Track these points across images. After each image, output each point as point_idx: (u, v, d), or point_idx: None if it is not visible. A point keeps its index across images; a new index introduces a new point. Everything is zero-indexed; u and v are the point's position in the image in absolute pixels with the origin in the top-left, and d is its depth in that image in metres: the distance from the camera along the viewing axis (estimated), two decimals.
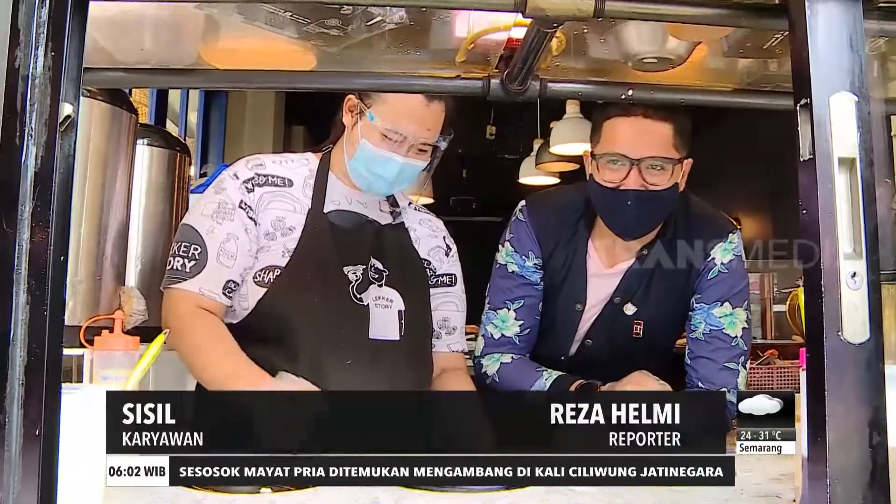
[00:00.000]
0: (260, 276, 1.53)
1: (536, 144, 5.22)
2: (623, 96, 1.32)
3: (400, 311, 1.60)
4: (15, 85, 0.71)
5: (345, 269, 1.56)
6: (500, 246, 1.81)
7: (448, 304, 1.75)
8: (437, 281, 1.74)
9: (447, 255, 1.77)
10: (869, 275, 0.82)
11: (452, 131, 1.59)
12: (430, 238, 1.75)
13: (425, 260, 1.72)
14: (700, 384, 1.72)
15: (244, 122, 4.75)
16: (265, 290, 1.52)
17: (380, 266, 1.60)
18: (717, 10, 1.00)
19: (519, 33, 1.16)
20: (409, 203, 1.77)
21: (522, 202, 1.83)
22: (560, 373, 1.69)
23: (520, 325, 1.76)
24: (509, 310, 1.76)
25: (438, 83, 1.29)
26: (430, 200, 5.32)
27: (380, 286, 1.59)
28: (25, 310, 0.72)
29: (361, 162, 1.56)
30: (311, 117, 5.15)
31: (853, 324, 0.81)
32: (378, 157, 1.54)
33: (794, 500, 1.12)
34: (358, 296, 1.56)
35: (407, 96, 1.50)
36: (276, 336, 1.51)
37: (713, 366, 1.71)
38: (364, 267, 1.57)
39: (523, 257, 1.76)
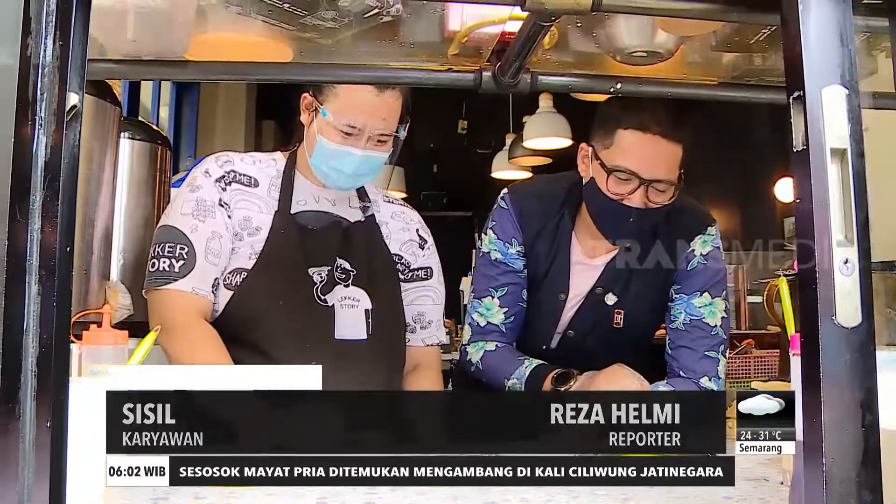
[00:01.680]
0: (228, 278, 1.53)
1: (509, 139, 5.26)
2: (611, 89, 1.34)
3: (367, 311, 1.60)
4: (27, 74, 0.70)
5: (310, 270, 1.56)
6: (482, 235, 1.82)
7: (424, 298, 1.75)
8: (412, 275, 1.74)
9: (421, 247, 1.76)
10: (860, 261, 0.85)
11: (409, 119, 1.59)
12: (403, 232, 1.74)
13: (397, 255, 1.71)
14: (681, 373, 1.75)
15: (216, 116, 4.71)
16: (232, 293, 1.52)
17: (347, 266, 1.60)
18: (710, 4, 1.02)
19: (513, 27, 1.17)
20: (383, 196, 1.77)
21: (505, 190, 1.84)
22: (540, 361, 1.70)
23: (504, 313, 1.77)
24: (493, 297, 1.76)
25: (430, 76, 1.30)
26: (402, 195, 5.33)
27: (346, 286, 1.59)
28: (37, 300, 0.72)
29: (320, 159, 1.55)
30: (282, 112, 5.12)
31: (846, 308, 0.84)
32: (336, 153, 1.53)
33: (782, 483, 1.16)
34: (322, 297, 1.56)
35: (358, 88, 1.49)
36: (242, 340, 1.51)
37: (693, 355, 1.74)
38: (329, 268, 1.57)
39: (506, 244, 1.76)
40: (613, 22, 1.21)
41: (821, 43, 0.88)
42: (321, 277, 1.56)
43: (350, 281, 1.59)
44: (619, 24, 1.21)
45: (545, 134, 4.44)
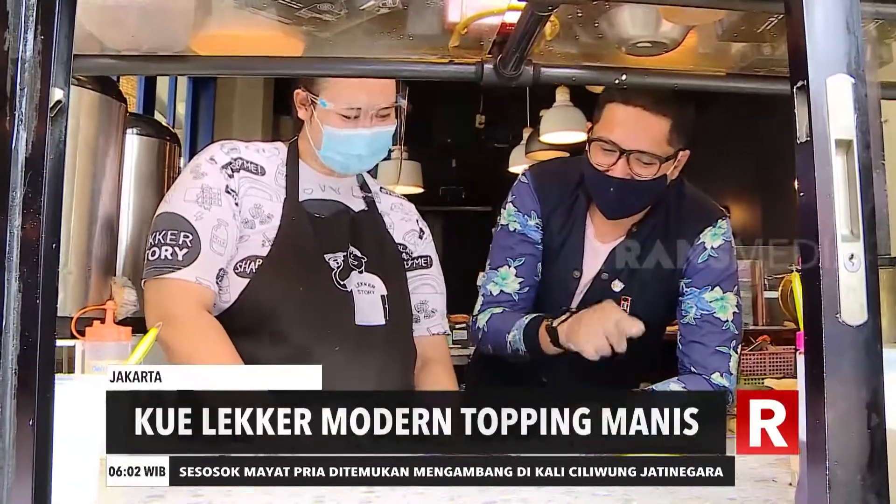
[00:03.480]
0: (241, 266, 1.50)
1: (526, 133, 5.22)
2: (617, 81, 1.31)
3: (383, 296, 1.60)
4: (4, 69, 0.70)
5: (325, 256, 1.55)
6: (501, 209, 1.85)
7: (425, 287, 1.75)
8: (413, 263, 1.74)
9: (421, 237, 1.77)
10: (866, 256, 0.82)
11: (407, 87, 1.59)
12: (404, 222, 1.75)
13: (401, 244, 1.72)
14: (692, 369, 1.73)
15: (233, 112, 4.72)
16: (248, 280, 1.49)
17: (358, 253, 1.59)
18: None
19: (513, 18, 1.15)
20: (381, 188, 1.77)
21: (526, 167, 1.88)
22: (539, 314, 1.70)
23: (520, 283, 1.78)
24: (510, 266, 1.78)
25: (431, 69, 1.28)
26: (420, 190, 5.31)
27: (360, 272, 1.59)
28: (17, 298, 0.71)
29: (331, 148, 1.55)
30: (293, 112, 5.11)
31: (851, 306, 0.81)
32: (345, 138, 1.53)
33: (790, 484, 1.13)
34: (341, 282, 1.55)
35: None
36: (260, 327, 1.49)
37: (705, 350, 1.72)
38: (344, 254, 1.57)
39: (525, 216, 1.79)
40: (617, 12, 1.18)
41: (826, 30, 0.85)
42: (337, 263, 1.55)
43: (363, 267, 1.59)
44: (622, 15, 1.19)
45: (562, 128, 4.40)
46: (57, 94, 0.77)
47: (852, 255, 0.82)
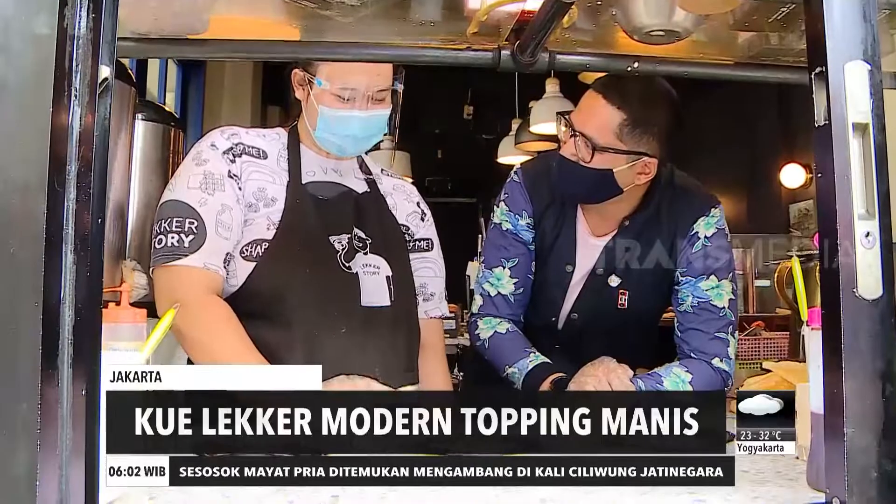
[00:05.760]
0: (247, 250, 1.51)
1: (515, 124, 5.24)
2: (629, 68, 1.34)
3: (388, 277, 1.61)
4: (64, 45, 0.71)
5: (330, 238, 1.56)
6: (494, 207, 1.87)
7: (426, 270, 1.77)
8: (415, 245, 1.76)
9: (422, 219, 1.78)
10: (882, 234, 0.86)
11: (403, 71, 1.60)
12: (406, 203, 1.76)
13: (403, 226, 1.73)
14: (692, 355, 1.75)
15: (222, 102, 4.70)
16: (254, 264, 1.51)
17: (362, 234, 1.61)
18: None
19: (532, 5, 1.18)
20: (382, 170, 1.79)
21: (518, 164, 1.89)
22: (545, 359, 1.73)
23: (514, 283, 1.80)
24: (504, 268, 1.80)
25: (449, 54, 1.30)
26: (409, 180, 5.32)
27: (365, 254, 1.60)
28: (72, 270, 0.73)
29: (325, 129, 1.56)
30: (288, 97, 5.10)
31: (867, 281, 0.85)
32: (340, 119, 1.54)
33: (797, 457, 1.17)
34: (346, 264, 1.56)
35: None
36: (267, 310, 1.50)
37: (704, 336, 1.75)
38: (349, 236, 1.58)
39: (517, 216, 1.81)
40: (632, 1, 1.21)
41: (844, 18, 0.88)
42: (342, 245, 1.56)
43: (368, 249, 1.60)
44: (637, 3, 1.21)
45: (551, 119, 4.43)
46: (104, 71, 0.79)
47: (868, 233, 0.86)
